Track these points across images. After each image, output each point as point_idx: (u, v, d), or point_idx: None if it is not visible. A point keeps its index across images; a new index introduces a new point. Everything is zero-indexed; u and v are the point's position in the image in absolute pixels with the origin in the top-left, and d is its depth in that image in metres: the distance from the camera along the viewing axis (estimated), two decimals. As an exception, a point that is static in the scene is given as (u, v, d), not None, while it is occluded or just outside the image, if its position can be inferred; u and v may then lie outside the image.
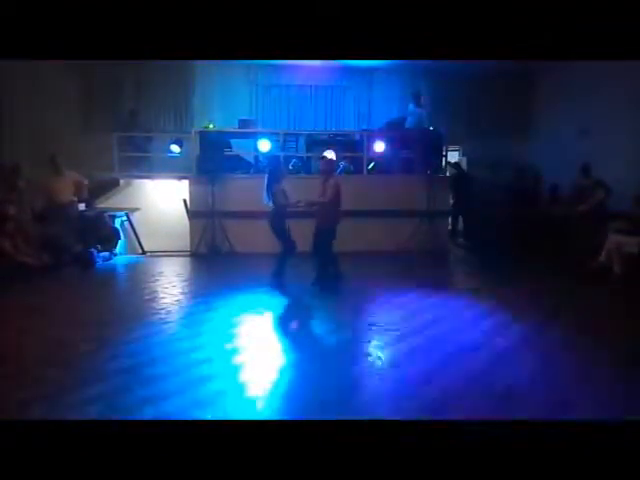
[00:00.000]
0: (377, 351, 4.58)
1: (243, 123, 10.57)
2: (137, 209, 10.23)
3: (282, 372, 4.15)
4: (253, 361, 4.35)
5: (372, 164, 10.56)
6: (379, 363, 4.28)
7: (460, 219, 11.97)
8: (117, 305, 6.46)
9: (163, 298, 6.54)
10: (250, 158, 10.71)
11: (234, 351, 4.56)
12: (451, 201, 11.13)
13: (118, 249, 9.71)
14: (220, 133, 10.09)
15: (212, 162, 9.55)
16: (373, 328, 5.25)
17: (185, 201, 9.87)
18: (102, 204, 10.09)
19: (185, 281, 7.84)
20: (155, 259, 9.66)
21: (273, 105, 12.46)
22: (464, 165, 12.33)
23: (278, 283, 6.89)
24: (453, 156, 12.02)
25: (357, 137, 11.08)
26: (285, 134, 11.24)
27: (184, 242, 9.85)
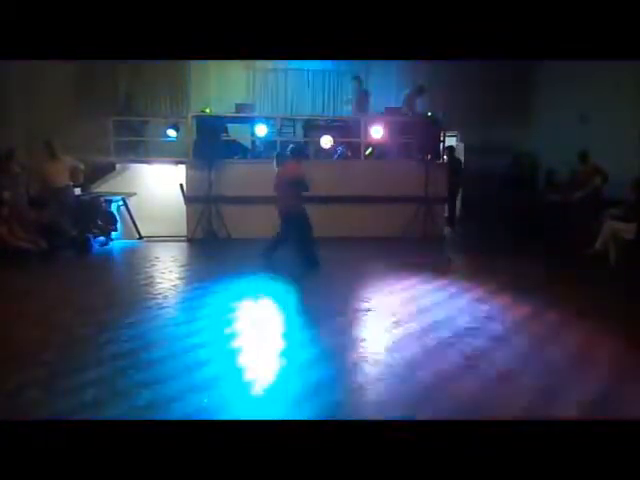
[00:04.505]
0: (373, 336, 4.61)
1: (240, 107, 10.50)
2: (133, 194, 10.19)
3: (277, 357, 4.17)
4: (249, 346, 4.37)
5: (370, 149, 10.52)
6: (375, 348, 4.30)
7: (457, 205, 11.96)
8: (114, 290, 6.46)
9: (160, 283, 6.55)
10: (247, 143, 10.65)
11: (230, 336, 4.58)
12: (448, 187, 11.10)
13: (114, 234, 9.69)
14: (217, 118, 10.01)
15: (209, 147, 9.48)
16: (369, 313, 5.27)
17: (182, 186, 9.83)
18: (98, 189, 10.04)
19: (182, 266, 7.84)
20: (152, 244, 9.64)
21: (270, 90, 12.36)
22: (461, 151, 12.28)
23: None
24: (451, 141, 11.97)
25: (355, 122, 11.02)
26: (282, 119, 11.17)
27: (181, 227, 9.82)
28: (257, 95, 12.23)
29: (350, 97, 11.49)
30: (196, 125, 9.70)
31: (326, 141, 9.77)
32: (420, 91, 10.87)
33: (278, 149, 8.40)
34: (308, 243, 6.98)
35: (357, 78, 11.33)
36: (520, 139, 11.50)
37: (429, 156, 10.11)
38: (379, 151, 10.65)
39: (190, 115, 10.00)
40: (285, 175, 6.98)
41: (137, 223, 10.11)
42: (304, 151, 8.68)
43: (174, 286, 6.43)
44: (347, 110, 11.69)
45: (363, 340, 4.52)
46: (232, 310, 5.39)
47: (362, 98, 11.14)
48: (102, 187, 10.14)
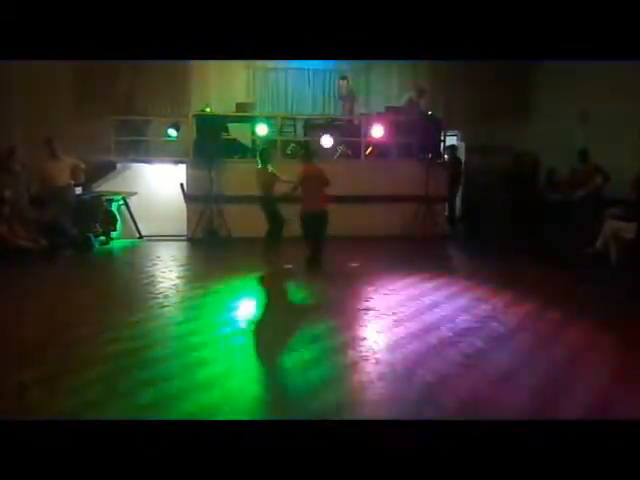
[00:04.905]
0: (374, 335, 4.61)
1: (240, 107, 10.50)
2: (134, 193, 10.20)
3: (278, 356, 4.18)
4: (249, 345, 4.38)
5: (370, 149, 10.52)
6: (375, 347, 4.30)
7: (458, 204, 11.94)
8: (115, 289, 6.48)
9: (161, 282, 6.56)
10: (247, 142, 10.64)
11: (231, 335, 4.58)
12: (449, 186, 11.09)
13: (115, 233, 9.71)
14: (217, 117, 10.02)
15: (209, 146, 9.50)
16: (370, 313, 5.28)
17: (182, 185, 9.84)
18: (99, 188, 10.05)
19: (182, 265, 7.85)
20: (152, 243, 9.65)
21: (271, 89, 12.36)
22: (462, 150, 12.27)
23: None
24: (451, 141, 11.96)
25: (355, 121, 11.03)
26: (283, 118, 11.17)
27: (181, 226, 9.84)
28: (257, 94, 12.21)
29: (341, 95, 11.50)
30: (196, 124, 9.71)
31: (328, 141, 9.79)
32: (421, 93, 10.89)
33: (259, 147, 8.29)
34: (323, 243, 7.17)
35: (344, 78, 11.32)
36: (520, 138, 11.48)
37: (429, 155, 10.12)
38: (379, 150, 10.65)
39: (190, 114, 10.00)
40: (312, 176, 7.10)
41: (138, 222, 10.12)
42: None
43: (175, 285, 6.44)
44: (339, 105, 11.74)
45: (364, 339, 4.52)
46: (233, 309, 5.39)
47: (350, 98, 11.16)
48: (103, 186, 10.14)
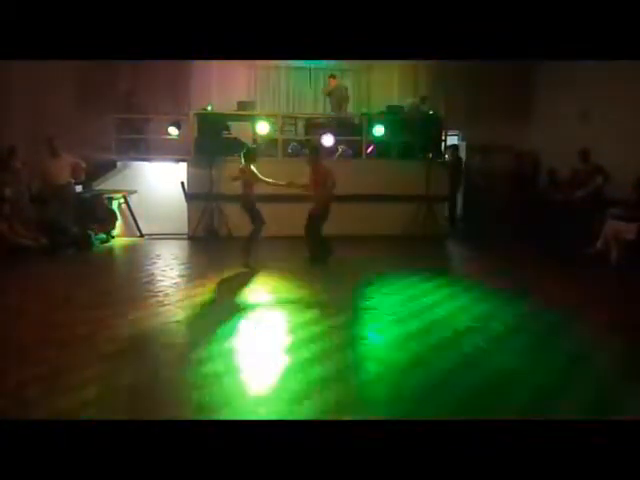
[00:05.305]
0: (374, 334, 4.61)
1: (241, 105, 10.50)
2: (134, 191, 10.20)
3: (278, 355, 4.18)
4: (250, 344, 4.37)
5: (371, 148, 10.52)
6: (376, 347, 4.30)
7: (459, 203, 11.95)
8: (115, 287, 6.47)
9: (161, 281, 6.55)
10: (248, 141, 10.63)
11: (231, 333, 4.58)
12: (450, 185, 11.10)
13: (115, 232, 9.72)
14: (218, 115, 10.03)
15: (210, 144, 9.50)
16: (370, 312, 5.27)
17: (183, 184, 9.84)
18: (99, 186, 10.05)
19: (183, 264, 7.85)
20: (153, 242, 9.65)
21: (272, 87, 12.35)
22: (462, 149, 12.27)
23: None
24: (452, 140, 11.96)
25: (356, 121, 11.03)
26: (284, 117, 11.17)
27: (182, 225, 9.84)
28: (259, 93, 12.21)
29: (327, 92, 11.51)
30: (197, 123, 9.72)
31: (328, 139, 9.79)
32: (423, 101, 10.94)
33: (245, 147, 8.16)
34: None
35: (333, 76, 11.30)
36: (521, 138, 11.48)
37: (430, 155, 10.13)
38: (380, 150, 10.64)
39: (192, 113, 10.00)
40: (321, 176, 7.28)
41: (138, 221, 10.12)
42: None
43: (175, 284, 6.44)
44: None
45: (364, 338, 4.52)
46: (233, 308, 5.39)
47: (344, 97, 11.15)
48: (103, 185, 10.15)
